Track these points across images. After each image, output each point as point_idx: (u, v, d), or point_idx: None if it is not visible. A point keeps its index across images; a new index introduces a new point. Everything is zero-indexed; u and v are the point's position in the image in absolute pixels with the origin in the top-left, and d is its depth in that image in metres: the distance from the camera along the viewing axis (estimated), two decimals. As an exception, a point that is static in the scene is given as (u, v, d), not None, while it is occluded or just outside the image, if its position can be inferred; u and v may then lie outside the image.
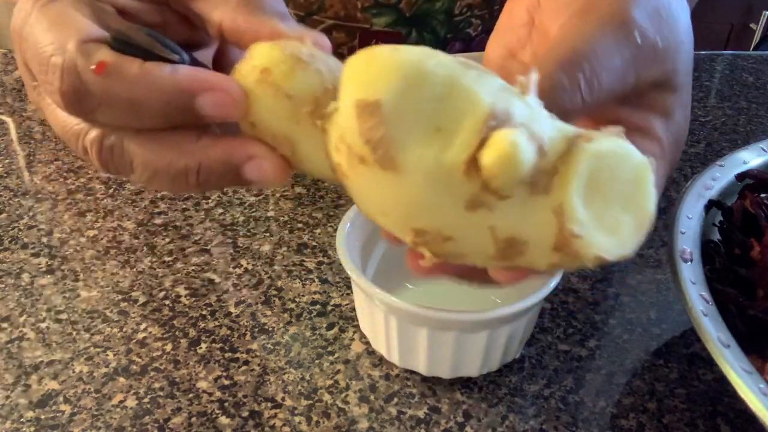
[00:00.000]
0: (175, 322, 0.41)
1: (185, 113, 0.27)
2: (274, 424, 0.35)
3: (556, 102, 0.26)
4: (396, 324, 0.35)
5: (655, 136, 0.30)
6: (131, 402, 0.36)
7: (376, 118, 0.22)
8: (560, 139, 0.23)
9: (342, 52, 0.65)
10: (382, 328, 0.36)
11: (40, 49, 0.28)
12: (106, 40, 0.27)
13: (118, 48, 0.27)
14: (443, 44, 0.67)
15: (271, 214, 0.50)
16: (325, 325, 0.40)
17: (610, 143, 0.23)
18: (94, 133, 0.29)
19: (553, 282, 0.34)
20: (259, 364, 0.38)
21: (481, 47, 0.68)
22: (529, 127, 0.22)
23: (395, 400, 0.36)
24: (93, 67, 0.27)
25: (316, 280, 0.44)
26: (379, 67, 0.23)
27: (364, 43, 0.65)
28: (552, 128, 0.23)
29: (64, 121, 0.30)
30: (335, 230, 0.48)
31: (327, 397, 0.36)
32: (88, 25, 0.28)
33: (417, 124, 0.22)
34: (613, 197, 0.24)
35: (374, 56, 0.23)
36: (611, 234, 0.23)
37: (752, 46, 1.92)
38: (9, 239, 0.47)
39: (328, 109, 0.26)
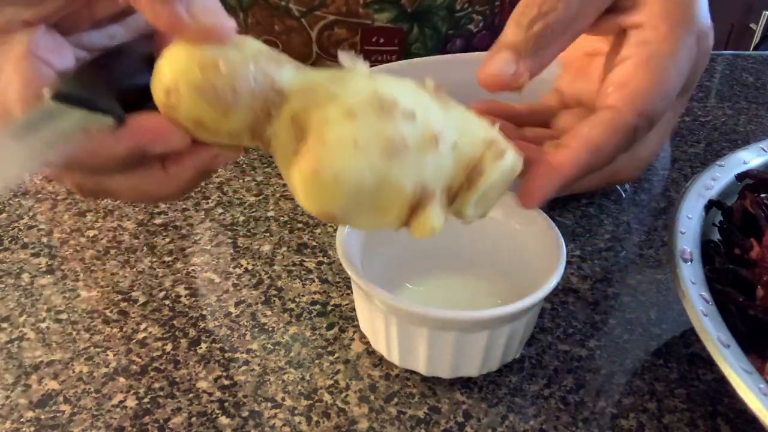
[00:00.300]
0: (175, 322, 0.41)
1: (142, 158, 0.30)
2: (274, 424, 0.35)
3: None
4: (396, 324, 0.35)
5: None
6: (131, 402, 0.36)
7: (330, 218, 0.30)
8: (470, 153, 0.31)
9: (343, 48, 0.65)
10: (382, 328, 0.36)
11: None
12: (46, 95, 0.28)
13: (59, 101, 0.28)
14: (444, 40, 0.67)
15: (271, 214, 0.50)
16: (325, 325, 0.40)
17: (510, 164, 0.31)
18: (70, 180, 0.31)
19: (554, 281, 0.34)
20: (259, 364, 0.38)
21: (482, 43, 0.68)
22: (442, 173, 0.30)
23: (395, 400, 0.36)
24: None
25: (316, 280, 0.44)
26: (327, 191, 0.29)
27: (366, 38, 0.65)
28: (468, 142, 0.31)
29: None
30: (335, 230, 0.48)
31: (327, 397, 0.36)
32: (28, 88, 0.29)
33: (361, 211, 0.30)
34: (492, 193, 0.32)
35: (318, 179, 0.29)
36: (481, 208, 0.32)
37: (752, 46, 1.92)
38: (9, 239, 0.47)
39: (266, 134, 0.30)
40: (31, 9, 0.29)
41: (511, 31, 0.35)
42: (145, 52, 0.33)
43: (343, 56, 0.32)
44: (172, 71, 0.28)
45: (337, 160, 0.29)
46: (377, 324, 0.36)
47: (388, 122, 0.29)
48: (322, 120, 0.29)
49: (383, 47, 0.66)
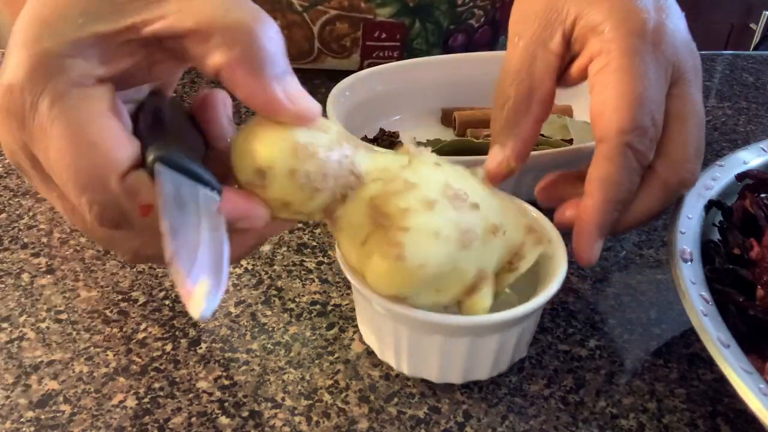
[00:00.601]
0: (175, 322, 0.41)
1: None
2: (274, 424, 0.35)
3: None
4: (407, 333, 0.35)
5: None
6: (131, 402, 0.36)
7: (397, 298, 0.33)
8: (516, 239, 0.35)
9: (345, 43, 0.65)
10: (391, 338, 0.35)
11: (63, 175, 0.27)
12: (146, 162, 0.27)
13: (163, 167, 0.27)
14: (446, 35, 0.67)
15: (271, 214, 0.50)
16: (325, 325, 0.40)
17: (535, 255, 0.36)
18: (125, 247, 0.31)
19: (558, 282, 0.34)
20: (259, 364, 0.38)
21: (483, 39, 0.68)
22: (495, 258, 0.34)
23: (395, 400, 0.36)
24: (138, 206, 0.27)
25: (316, 280, 0.44)
26: (410, 277, 0.31)
27: (368, 33, 0.65)
28: (513, 229, 0.35)
29: (79, 220, 0.30)
30: (335, 230, 0.48)
31: (327, 397, 0.36)
32: (120, 142, 0.27)
33: (427, 292, 0.32)
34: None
35: (405, 265, 0.31)
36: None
37: (752, 46, 1.92)
38: (9, 239, 0.47)
39: (336, 214, 0.32)
40: (104, 66, 0.28)
41: (493, 125, 0.39)
42: (175, 106, 0.32)
43: (407, 143, 0.35)
44: (268, 153, 0.29)
45: (423, 247, 0.31)
46: (385, 334, 0.36)
47: (461, 213, 0.32)
48: (405, 208, 0.31)
49: (385, 42, 0.66)
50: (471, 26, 0.67)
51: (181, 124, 0.31)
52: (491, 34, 0.69)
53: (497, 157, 0.38)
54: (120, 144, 0.27)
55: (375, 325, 0.36)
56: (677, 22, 0.37)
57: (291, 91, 0.29)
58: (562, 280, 0.35)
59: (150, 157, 0.27)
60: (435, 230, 0.31)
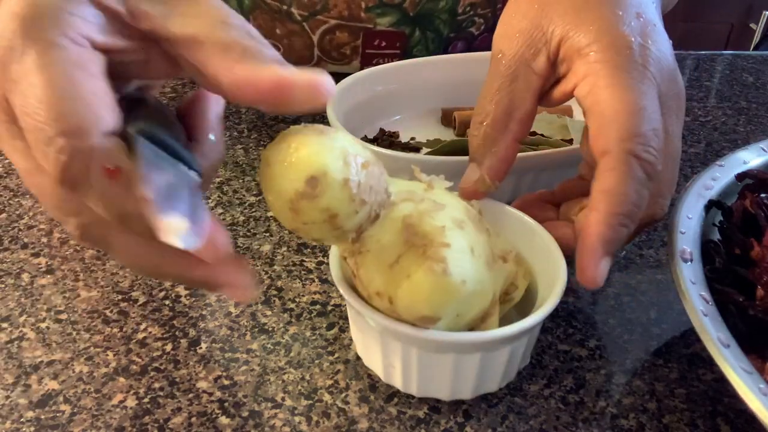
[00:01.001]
0: (175, 322, 0.41)
1: None
2: (274, 424, 0.35)
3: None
4: (417, 354, 0.34)
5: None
6: (131, 402, 0.36)
7: (432, 320, 0.32)
8: (511, 269, 0.36)
9: (345, 51, 0.65)
10: (399, 360, 0.35)
11: (43, 114, 0.25)
12: (125, 132, 0.26)
13: (143, 138, 0.26)
14: (446, 43, 0.67)
15: (271, 214, 0.50)
16: (325, 325, 0.40)
17: (525, 286, 0.37)
18: (75, 220, 0.29)
19: (560, 290, 0.34)
20: (259, 364, 0.38)
21: (483, 46, 0.68)
22: (501, 284, 0.35)
23: (395, 400, 0.36)
24: (107, 167, 0.26)
25: (316, 280, 0.44)
26: (452, 293, 0.31)
27: (368, 42, 0.65)
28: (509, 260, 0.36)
29: (37, 179, 0.28)
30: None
31: (327, 397, 0.36)
32: (107, 104, 0.26)
33: (453, 314, 0.32)
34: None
35: (448, 280, 0.30)
36: None
37: (752, 46, 1.92)
38: (9, 239, 0.47)
39: (365, 234, 0.31)
40: (103, 36, 0.27)
41: (470, 142, 0.39)
42: (158, 102, 0.31)
43: (417, 172, 0.35)
44: (323, 159, 0.28)
45: (463, 264, 0.31)
46: (393, 358, 0.35)
47: (483, 235, 0.33)
48: (440, 228, 0.31)
49: (385, 50, 0.66)
50: (471, 34, 0.67)
51: (164, 114, 0.30)
52: (491, 42, 0.69)
53: (473, 175, 0.38)
54: (109, 106, 0.26)
55: (382, 349, 0.35)
56: (663, 49, 0.36)
57: (291, 68, 0.27)
58: (561, 292, 0.34)
59: (132, 129, 0.27)
60: (471, 247, 0.31)
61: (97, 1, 0.27)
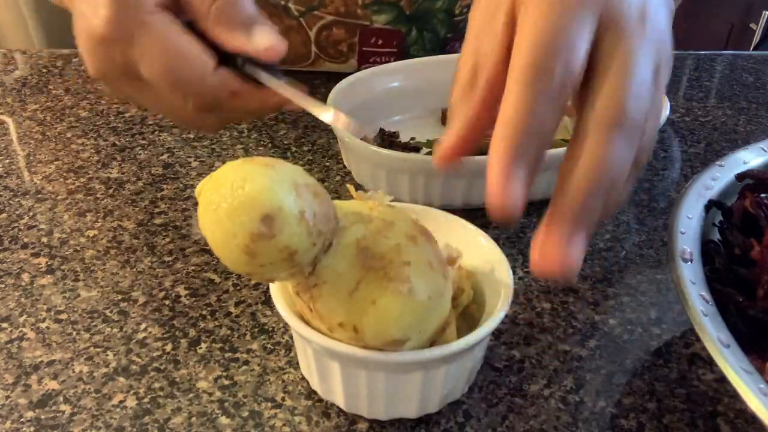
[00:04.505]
0: (175, 322, 0.41)
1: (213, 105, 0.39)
2: (274, 424, 0.35)
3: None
4: (384, 378, 0.32)
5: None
6: (131, 402, 0.36)
7: (400, 343, 0.30)
8: (456, 274, 0.35)
9: (342, 48, 0.65)
10: (364, 387, 0.33)
11: (172, 75, 0.37)
12: (236, 63, 0.37)
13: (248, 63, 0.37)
14: (443, 43, 0.67)
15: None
16: (325, 325, 0.40)
17: (470, 288, 0.36)
18: (210, 122, 0.42)
19: (510, 287, 0.33)
20: (259, 364, 0.38)
21: None
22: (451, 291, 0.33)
23: (395, 400, 0.36)
24: (229, 92, 0.38)
25: (316, 280, 0.44)
26: (421, 310, 0.30)
27: (365, 39, 0.65)
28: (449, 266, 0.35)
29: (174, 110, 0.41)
30: (335, 230, 0.48)
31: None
32: (204, 51, 0.37)
33: (419, 333, 0.31)
34: None
35: (415, 299, 0.29)
36: None
37: (752, 46, 1.92)
38: (9, 239, 0.47)
39: (320, 265, 0.29)
40: None
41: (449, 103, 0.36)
42: None
43: (354, 191, 0.35)
44: (274, 195, 0.26)
45: (425, 279, 0.30)
46: (357, 386, 0.33)
47: (434, 246, 0.32)
48: (396, 246, 0.30)
49: (382, 48, 0.66)
50: None
51: None
52: None
53: (443, 140, 0.34)
54: (203, 51, 0.37)
55: (344, 379, 0.33)
56: None
57: (261, 36, 0.37)
58: (512, 283, 0.34)
59: (239, 61, 0.37)
60: (428, 261, 0.30)
61: None
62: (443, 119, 0.60)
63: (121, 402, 0.36)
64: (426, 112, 0.60)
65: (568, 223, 0.29)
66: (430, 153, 0.52)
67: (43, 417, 0.35)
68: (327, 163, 0.56)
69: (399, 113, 0.59)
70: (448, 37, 0.66)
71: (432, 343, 0.32)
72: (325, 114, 0.36)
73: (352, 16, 0.63)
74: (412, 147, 0.55)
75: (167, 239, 0.47)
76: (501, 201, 0.29)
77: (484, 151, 0.51)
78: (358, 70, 0.67)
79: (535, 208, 0.50)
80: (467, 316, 0.35)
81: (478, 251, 0.37)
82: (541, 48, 0.30)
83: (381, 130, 0.57)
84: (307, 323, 0.32)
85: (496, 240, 0.48)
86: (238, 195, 0.26)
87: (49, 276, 0.44)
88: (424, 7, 0.63)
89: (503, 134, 0.30)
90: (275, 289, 0.33)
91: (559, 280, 0.33)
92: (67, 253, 0.46)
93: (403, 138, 0.56)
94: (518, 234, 0.48)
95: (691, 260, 0.36)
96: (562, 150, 0.48)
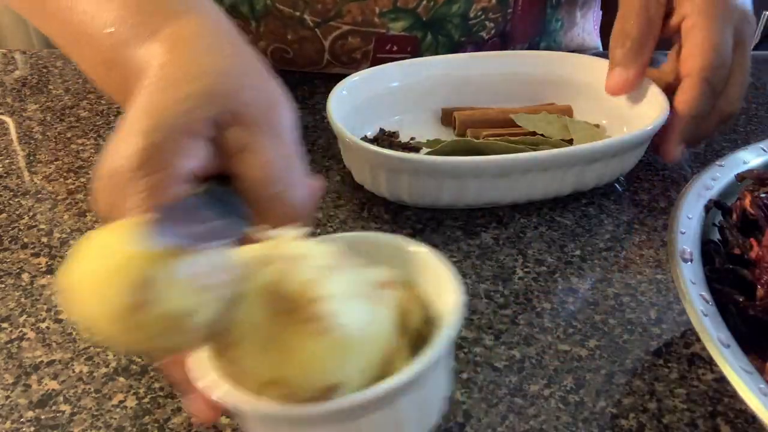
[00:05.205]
0: (175, 322, 0.40)
1: None
2: (274, 424, 0.35)
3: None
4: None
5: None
6: (131, 402, 0.36)
7: (333, 389, 0.27)
8: (401, 296, 0.31)
9: (356, 56, 0.65)
10: None
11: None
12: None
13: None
14: (456, 47, 0.67)
15: (271, 214, 0.50)
16: (325, 325, 0.40)
17: (419, 307, 0.32)
18: None
19: (457, 309, 0.30)
20: (259, 364, 0.38)
21: (492, 50, 0.68)
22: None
23: (395, 400, 0.36)
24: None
25: (316, 280, 0.44)
26: (347, 348, 0.27)
27: (379, 47, 0.65)
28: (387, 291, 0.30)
29: None
30: (335, 230, 0.48)
31: (327, 397, 0.36)
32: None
33: (354, 371, 0.27)
34: None
35: (339, 336, 0.26)
36: None
37: (752, 46, 1.92)
38: (9, 239, 0.47)
39: (236, 320, 0.26)
40: (202, 165, 0.31)
41: (615, 54, 0.53)
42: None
43: (256, 233, 0.31)
44: (137, 259, 0.23)
45: (350, 310, 0.27)
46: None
47: (359, 271, 0.29)
48: (308, 279, 0.27)
49: (396, 54, 0.66)
50: (481, 38, 0.67)
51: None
52: (500, 46, 0.69)
53: (620, 77, 0.53)
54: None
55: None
56: (745, 2, 0.53)
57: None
58: (460, 304, 0.30)
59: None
60: (349, 292, 0.27)
61: (210, 137, 0.31)
62: (443, 119, 0.60)
63: (121, 402, 0.36)
64: (426, 112, 0.60)
65: (675, 140, 0.51)
66: (430, 153, 0.52)
67: (43, 417, 0.35)
68: (327, 163, 0.56)
69: (399, 113, 0.59)
70: (462, 40, 0.66)
71: (382, 377, 0.28)
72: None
73: (369, 24, 0.63)
74: (412, 147, 0.55)
75: (167, 239, 0.47)
76: (675, 157, 0.52)
77: (483, 152, 0.51)
78: None
79: (535, 208, 0.50)
80: (422, 340, 0.30)
81: (428, 271, 0.33)
82: (711, 65, 0.50)
83: (381, 130, 0.57)
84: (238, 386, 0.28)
85: (496, 239, 0.48)
86: (99, 268, 0.23)
87: (49, 276, 0.44)
88: (440, 13, 0.63)
89: (682, 120, 0.51)
90: (196, 364, 0.29)
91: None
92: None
93: (403, 138, 0.56)
94: (518, 234, 0.48)
95: (691, 260, 0.36)
96: (564, 149, 0.48)
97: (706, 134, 0.54)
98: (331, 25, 0.63)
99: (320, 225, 0.48)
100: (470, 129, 0.56)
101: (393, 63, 0.59)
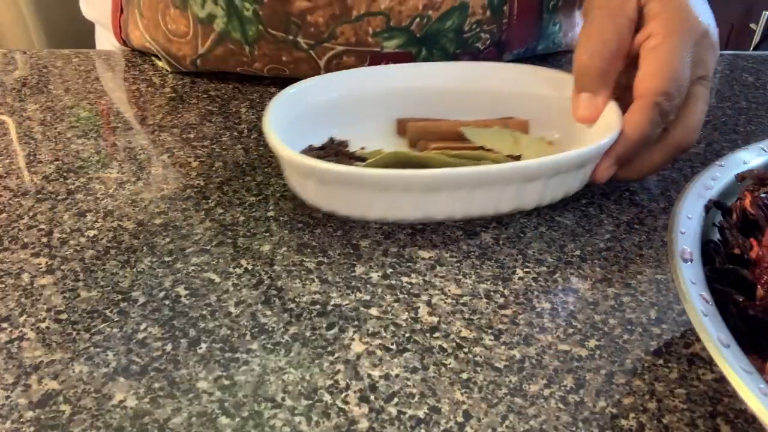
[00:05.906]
0: (175, 322, 0.41)
1: None
2: (274, 424, 0.35)
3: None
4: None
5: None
6: (131, 402, 0.36)
7: None
8: None
9: None
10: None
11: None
12: None
13: None
14: (452, 59, 0.67)
15: (271, 214, 0.50)
16: (325, 325, 0.40)
17: None
18: None
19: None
20: (259, 364, 0.38)
21: (488, 59, 0.68)
22: None
23: (395, 400, 0.36)
24: None
25: (316, 280, 0.44)
26: None
27: (375, 63, 0.65)
28: None
29: None
30: (335, 230, 0.48)
31: (327, 397, 0.36)
32: None
33: None
34: None
35: None
36: None
37: (752, 46, 1.92)
38: (9, 239, 0.47)
39: None
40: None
41: (582, 77, 0.51)
42: None
43: None
44: None
45: None
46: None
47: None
48: None
49: None
50: (477, 49, 0.67)
51: None
52: (496, 55, 0.69)
53: (590, 104, 0.50)
54: None
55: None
56: (713, 31, 0.51)
57: None
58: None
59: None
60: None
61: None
62: (399, 130, 0.58)
63: (121, 402, 0.36)
64: (384, 121, 0.58)
65: (608, 161, 0.49)
66: (368, 164, 0.49)
67: (43, 417, 0.35)
68: (327, 163, 0.56)
69: (354, 122, 0.56)
70: (456, 53, 0.66)
71: None
72: None
73: (362, 44, 0.63)
74: (357, 157, 0.52)
75: (167, 239, 0.47)
76: (601, 177, 0.50)
77: (422, 165, 0.49)
78: None
79: (535, 209, 0.50)
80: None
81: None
82: (665, 90, 0.48)
83: (330, 138, 0.55)
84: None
85: (496, 239, 0.48)
86: None
87: (49, 276, 0.44)
88: (434, 29, 0.63)
89: (622, 143, 0.48)
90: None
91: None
92: (67, 253, 0.46)
93: (354, 148, 0.54)
94: (518, 234, 0.48)
95: (691, 260, 0.36)
96: (553, 157, 0.47)
97: (658, 165, 0.51)
98: (325, 46, 0.63)
99: (319, 225, 0.49)
100: (422, 141, 0.55)
101: (350, 70, 0.57)
